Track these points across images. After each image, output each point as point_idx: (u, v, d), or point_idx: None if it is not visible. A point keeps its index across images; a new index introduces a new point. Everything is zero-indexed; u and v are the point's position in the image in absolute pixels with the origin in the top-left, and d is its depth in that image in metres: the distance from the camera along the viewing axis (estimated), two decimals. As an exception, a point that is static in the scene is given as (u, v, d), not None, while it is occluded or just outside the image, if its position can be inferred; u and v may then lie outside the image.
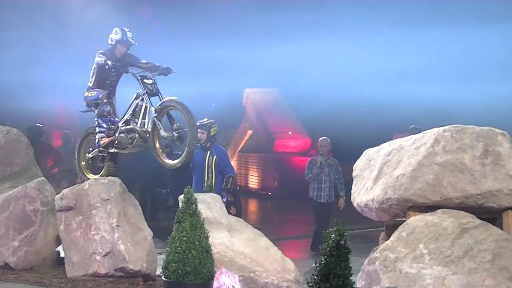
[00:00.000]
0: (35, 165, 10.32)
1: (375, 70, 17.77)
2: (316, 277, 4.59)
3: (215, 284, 7.53)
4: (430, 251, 6.60)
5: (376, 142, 8.22)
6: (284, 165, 21.21)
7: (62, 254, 9.13)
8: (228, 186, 10.12)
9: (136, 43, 9.19)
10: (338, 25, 17.80)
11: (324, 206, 12.03)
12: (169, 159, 8.92)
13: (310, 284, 4.61)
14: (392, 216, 7.50)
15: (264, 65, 18.19)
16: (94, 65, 9.22)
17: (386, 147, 7.87)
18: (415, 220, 6.99)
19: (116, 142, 9.17)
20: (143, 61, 9.18)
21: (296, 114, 22.27)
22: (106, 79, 9.28)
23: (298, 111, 21.85)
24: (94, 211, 8.70)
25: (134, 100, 9.14)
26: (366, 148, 8.25)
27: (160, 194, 15.13)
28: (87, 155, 9.61)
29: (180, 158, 8.76)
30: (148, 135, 8.94)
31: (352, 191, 8.07)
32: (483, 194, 7.00)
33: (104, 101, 9.20)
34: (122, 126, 9.14)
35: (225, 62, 18.28)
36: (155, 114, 8.79)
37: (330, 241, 4.73)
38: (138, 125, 9.01)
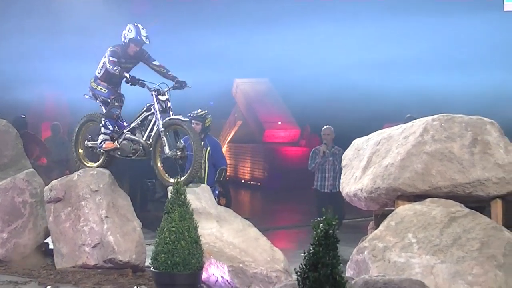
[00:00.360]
0: (24, 157, 10.27)
1: (366, 59, 17.69)
2: (304, 267, 4.57)
3: (204, 274, 7.55)
4: (419, 240, 6.60)
5: (366, 131, 8.20)
6: (273, 155, 21.17)
7: (51, 246, 9.10)
8: (221, 178, 10.00)
9: (149, 42, 8.91)
10: (329, 13, 17.70)
11: (327, 196, 11.73)
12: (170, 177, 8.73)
13: (298, 273, 4.60)
14: (381, 205, 7.50)
15: (254, 55, 18.09)
16: (105, 60, 8.93)
17: (375, 136, 7.86)
18: (404, 210, 6.99)
19: (119, 148, 9.09)
20: (156, 62, 9.00)
21: (286, 104, 22.19)
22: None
23: (288, 101, 21.78)
24: (83, 203, 8.69)
25: (144, 111, 9.01)
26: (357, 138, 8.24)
27: (148, 185, 15.09)
28: (86, 142, 9.47)
29: (183, 177, 8.47)
30: (151, 148, 8.84)
31: (341, 181, 8.05)
32: (472, 183, 7.00)
33: (116, 104, 9.03)
34: (127, 134, 9.06)
35: (215, 52, 18.18)
36: (163, 129, 8.64)
37: (319, 230, 4.72)
38: (144, 138, 8.93)
